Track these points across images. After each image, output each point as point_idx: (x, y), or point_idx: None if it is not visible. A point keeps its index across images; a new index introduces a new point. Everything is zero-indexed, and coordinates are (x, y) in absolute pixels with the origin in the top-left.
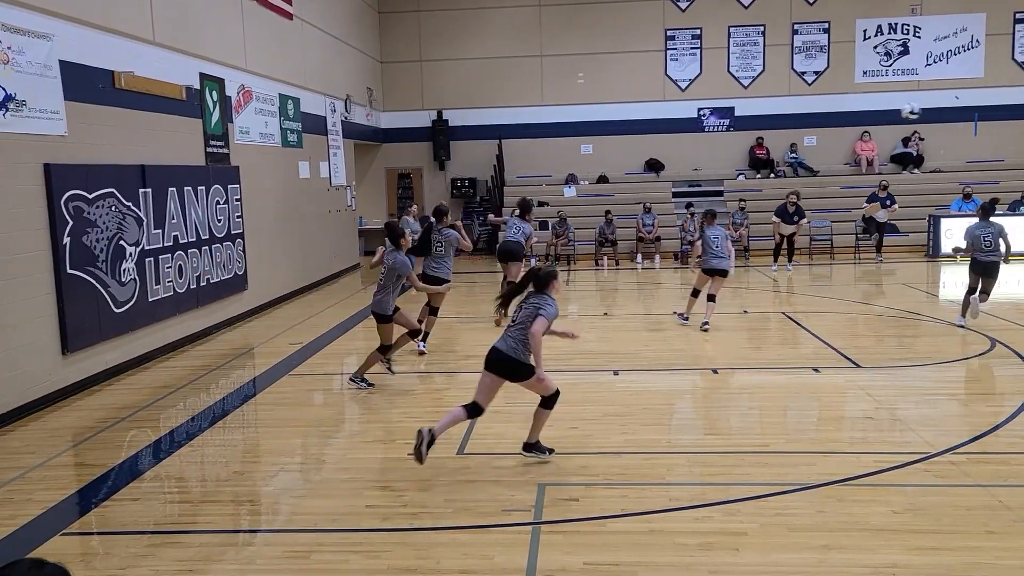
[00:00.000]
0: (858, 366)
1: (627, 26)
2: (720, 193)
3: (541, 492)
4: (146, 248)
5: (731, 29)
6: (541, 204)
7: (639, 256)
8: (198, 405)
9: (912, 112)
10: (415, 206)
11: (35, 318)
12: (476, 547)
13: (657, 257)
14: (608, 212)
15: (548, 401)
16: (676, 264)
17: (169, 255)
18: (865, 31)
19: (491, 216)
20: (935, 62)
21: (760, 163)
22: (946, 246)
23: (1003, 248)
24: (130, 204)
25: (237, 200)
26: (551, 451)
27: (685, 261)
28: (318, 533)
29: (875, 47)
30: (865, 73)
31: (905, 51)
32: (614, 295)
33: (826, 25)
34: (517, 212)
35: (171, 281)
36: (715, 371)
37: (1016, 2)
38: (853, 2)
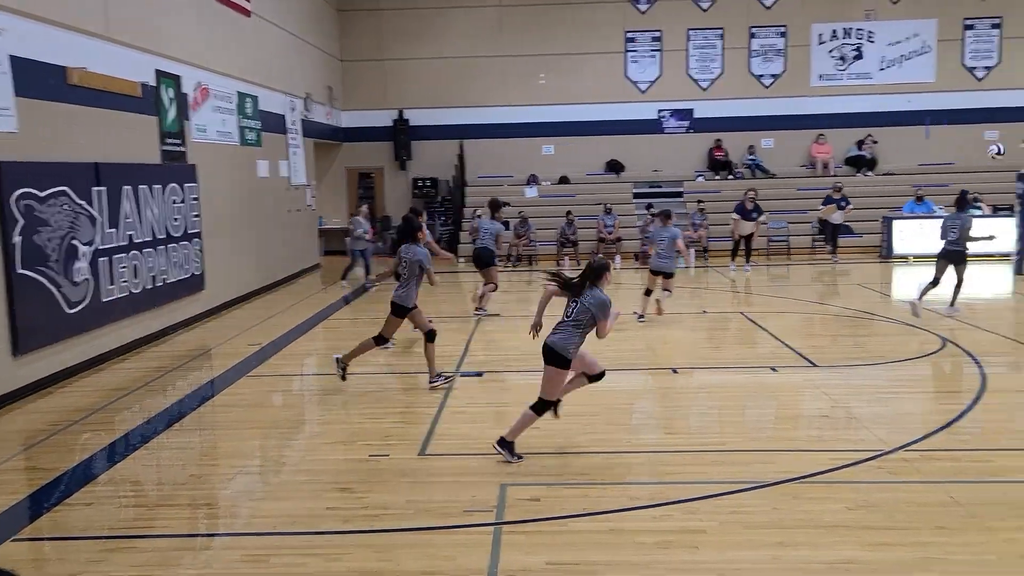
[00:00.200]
0: (814, 365)
1: (588, 27)
2: (680, 194)
3: (503, 492)
4: (100, 247)
5: (690, 32)
6: (504, 204)
7: (599, 256)
8: (154, 407)
9: (999, 154)
10: (366, 206)
11: None
12: (438, 548)
13: (618, 258)
14: (569, 213)
15: (540, 407)
16: (637, 264)
17: (124, 255)
18: (820, 35)
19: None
20: (888, 66)
21: (719, 165)
22: (899, 247)
23: (966, 239)
24: (83, 203)
25: (194, 199)
26: (520, 458)
27: (645, 261)
28: (277, 536)
29: (830, 51)
30: (821, 77)
31: (859, 55)
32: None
33: (783, 29)
34: (487, 212)
35: (126, 281)
36: (675, 371)
37: (965, 9)
38: (809, 7)
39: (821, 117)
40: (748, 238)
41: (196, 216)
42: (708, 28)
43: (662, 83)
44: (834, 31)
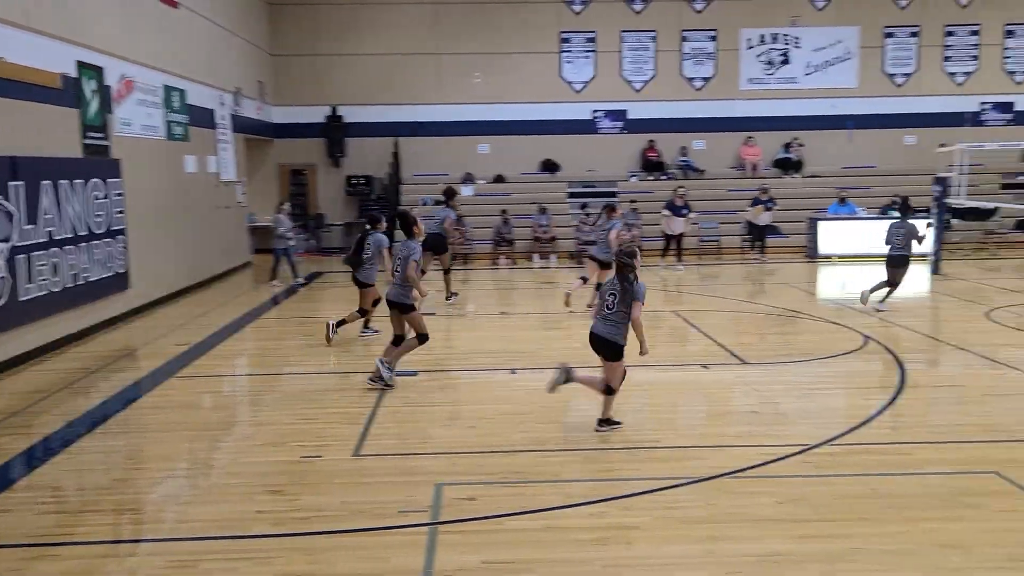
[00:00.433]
0: (744, 362)
1: (523, 27)
2: (614, 194)
3: (438, 492)
4: (17, 245)
5: (623, 34)
6: (438, 203)
7: (536, 256)
8: (76, 410)
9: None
10: (287, 203)
11: None
12: (372, 549)
13: (553, 256)
14: (504, 211)
15: (609, 389)
16: (572, 264)
17: (43, 252)
18: (749, 40)
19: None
20: (813, 71)
21: (652, 165)
22: (824, 248)
23: (911, 244)
24: None
25: (118, 195)
26: (619, 424)
27: (581, 260)
28: (205, 541)
29: (759, 56)
30: (750, 80)
31: (786, 60)
32: (511, 294)
33: (713, 33)
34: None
35: (45, 279)
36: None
37: (886, 17)
38: (738, 12)
39: (750, 120)
40: (679, 238)
41: (120, 212)
42: (641, 30)
43: (596, 84)
44: (762, 36)
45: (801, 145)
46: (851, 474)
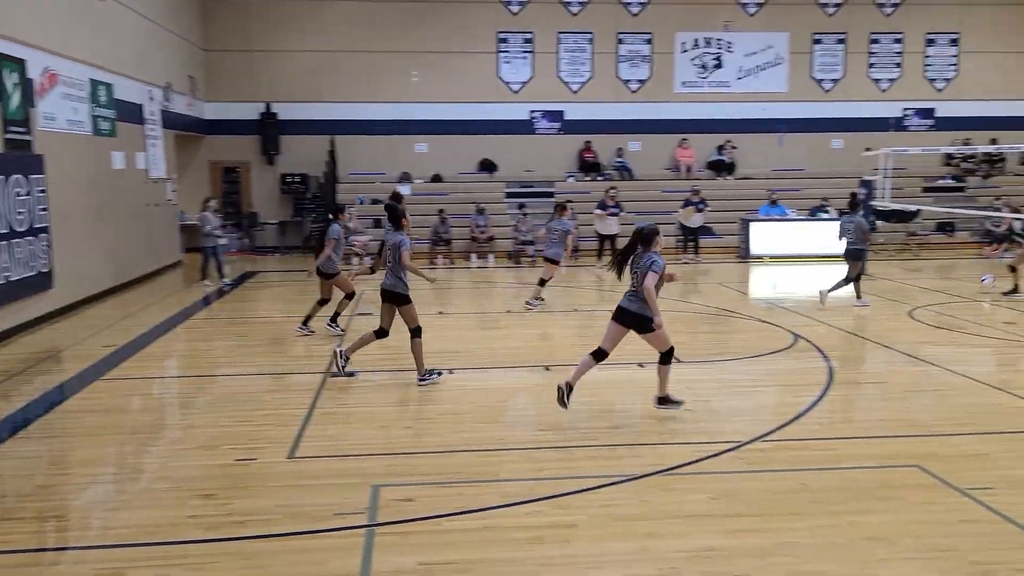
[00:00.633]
0: (678, 361)
1: (460, 26)
2: (551, 194)
3: (375, 494)
4: None
5: (560, 35)
6: (375, 202)
7: (473, 255)
8: None
9: (989, 284)
10: (214, 200)
11: None
12: (308, 553)
13: (491, 256)
14: (442, 211)
15: (666, 357)
16: (510, 263)
17: None
18: (684, 44)
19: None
20: (745, 76)
21: (589, 166)
22: (755, 248)
23: (861, 238)
24: None
25: (41, 191)
26: (682, 403)
27: (518, 260)
28: (134, 548)
29: (692, 59)
30: (684, 83)
31: (719, 64)
32: (449, 294)
33: (648, 36)
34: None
35: None
36: (547, 368)
37: (814, 24)
38: (673, 16)
39: (684, 122)
40: (613, 238)
41: (43, 210)
42: (578, 32)
43: (534, 84)
44: (696, 40)
45: (734, 148)
46: (781, 470)
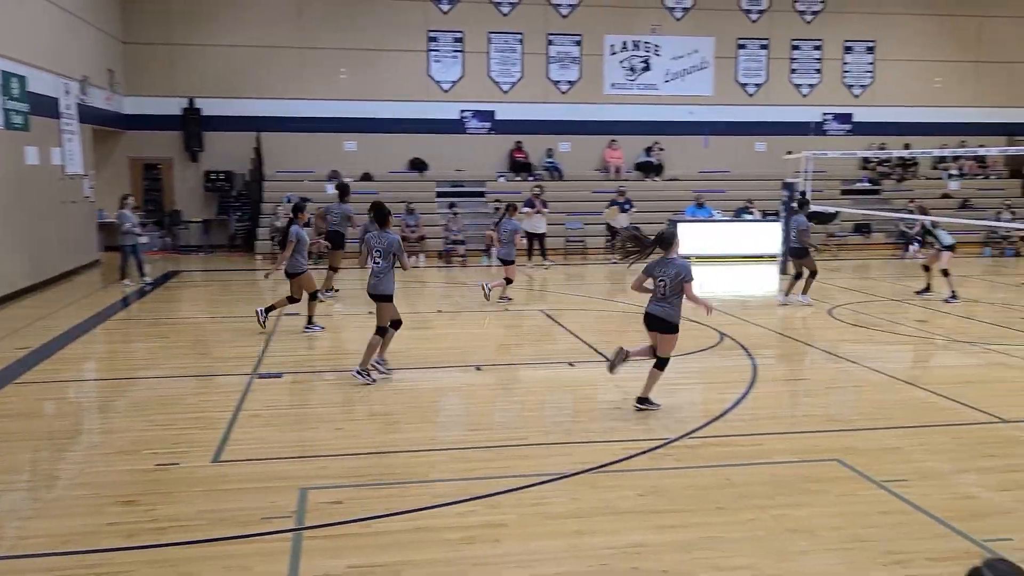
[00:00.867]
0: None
1: (390, 24)
2: (482, 194)
3: (303, 497)
4: None
5: (491, 35)
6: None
7: (363, 252)
8: None
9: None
10: (131, 197)
11: None
12: (234, 559)
13: (422, 256)
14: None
15: (663, 363)
16: (441, 263)
17: None
18: (612, 46)
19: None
20: (672, 79)
21: (519, 166)
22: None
23: (799, 236)
24: None
25: None
26: (659, 405)
27: (450, 260)
28: (50, 557)
29: (621, 62)
30: (613, 85)
31: (647, 67)
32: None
33: (578, 38)
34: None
35: None
36: (478, 368)
37: (739, 29)
38: (602, 18)
39: (613, 124)
40: (541, 237)
41: None
42: (508, 32)
43: (464, 84)
44: (624, 43)
45: (661, 149)
46: (707, 466)
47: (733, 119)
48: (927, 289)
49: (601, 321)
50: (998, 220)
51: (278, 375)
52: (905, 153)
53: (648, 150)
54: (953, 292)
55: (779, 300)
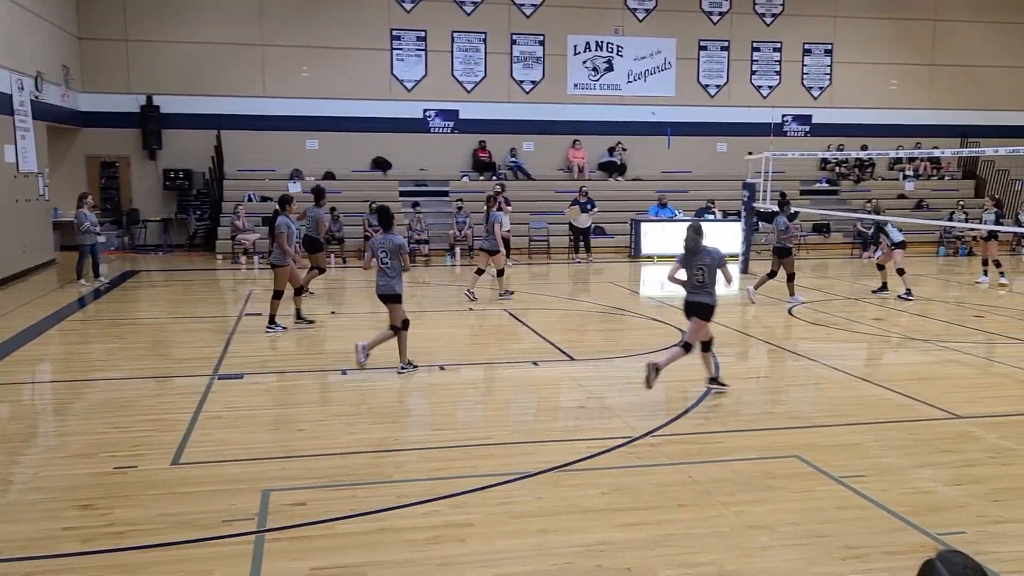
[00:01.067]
0: (572, 359)
1: (353, 22)
2: (446, 193)
3: (265, 499)
4: None
5: (454, 34)
6: (265, 200)
7: (366, 254)
8: None
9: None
10: (90, 196)
11: None
12: (194, 563)
13: None
14: (334, 209)
15: (708, 345)
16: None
17: None
18: (576, 47)
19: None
20: (635, 80)
21: (483, 165)
22: (646, 248)
23: (779, 236)
24: None
25: None
26: (728, 386)
27: (413, 259)
28: (3, 563)
29: (584, 62)
30: (576, 86)
31: (610, 68)
32: (341, 293)
33: (541, 38)
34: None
35: None
36: (442, 367)
37: (700, 31)
38: (565, 18)
39: (577, 124)
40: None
41: None
42: (472, 31)
43: (428, 83)
44: (587, 43)
45: (624, 150)
46: (670, 463)
47: (695, 120)
48: (883, 288)
49: (565, 320)
50: (951, 220)
51: (239, 376)
52: (862, 154)
53: (611, 150)
54: (908, 290)
55: (750, 297)
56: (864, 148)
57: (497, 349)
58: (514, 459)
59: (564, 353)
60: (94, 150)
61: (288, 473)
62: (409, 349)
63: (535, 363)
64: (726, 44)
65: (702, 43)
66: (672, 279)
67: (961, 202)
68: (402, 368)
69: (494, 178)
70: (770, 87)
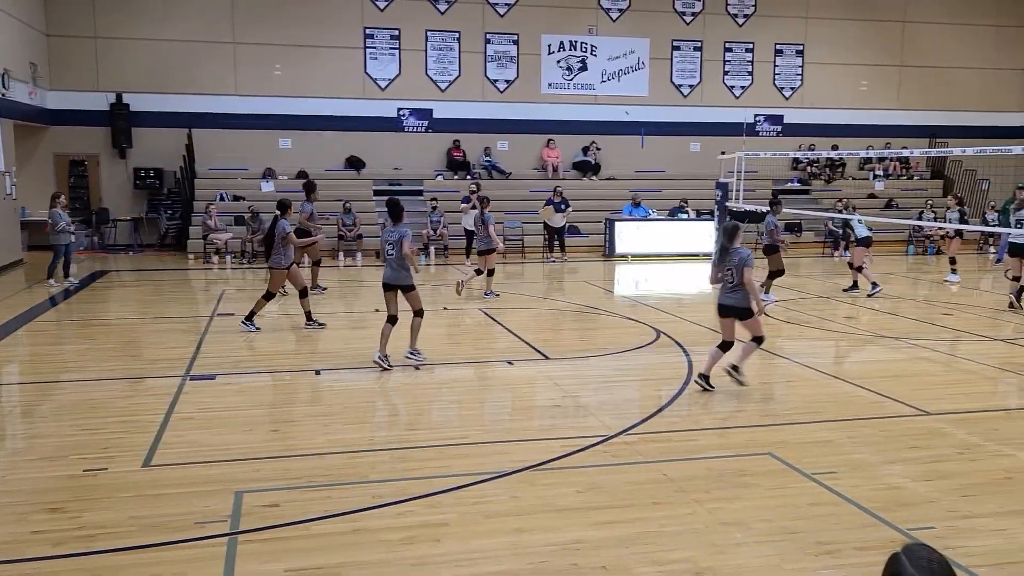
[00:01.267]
0: (547, 358)
1: (325, 20)
2: (420, 192)
3: (238, 500)
4: None
5: (428, 33)
6: (237, 199)
7: (341, 254)
8: None
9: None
10: (63, 195)
11: None
12: (166, 565)
13: (359, 255)
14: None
15: (757, 340)
16: (378, 262)
17: None
18: (550, 46)
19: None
20: (609, 79)
21: (457, 164)
22: (620, 247)
23: (771, 234)
24: None
25: None
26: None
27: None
28: None
29: (558, 61)
30: (550, 85)
31: (584, 67)
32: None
33: (515, 37)
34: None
35: None
36: (417, 368)
37: (673, 31)
38: (539, 18)
39: (551, 123)
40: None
41: None
42: (445, 30)
43: (401, 82)
44: (561, 43)
45: (598, 149)
46: (644, 461)
47: (668, 119)
48: (854, 286)
49: (540, 319)
50: (920, 219)
51: (212, 377)
52: (833, 154)
53: (585, 149)
54: (874, 283)
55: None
56: (835, 148)
57: (472, 348)
58: (489, 458)
59: (539, 352)
60: (62, 148)
61: (261, 474)
62: (383, 349)
63: (510, 362)
64: (699, 44)
65: (675, 43)
66: (712, 282)
67: (930, 201)
68: (410, 354)
69: (468, 177)
70: (742, 87)
